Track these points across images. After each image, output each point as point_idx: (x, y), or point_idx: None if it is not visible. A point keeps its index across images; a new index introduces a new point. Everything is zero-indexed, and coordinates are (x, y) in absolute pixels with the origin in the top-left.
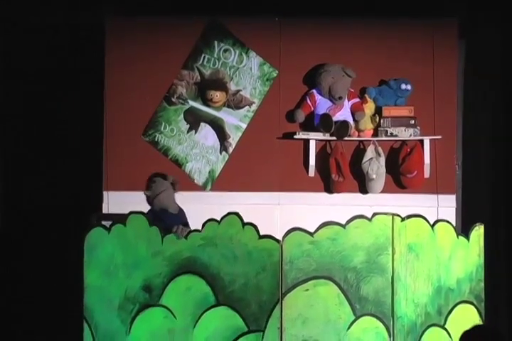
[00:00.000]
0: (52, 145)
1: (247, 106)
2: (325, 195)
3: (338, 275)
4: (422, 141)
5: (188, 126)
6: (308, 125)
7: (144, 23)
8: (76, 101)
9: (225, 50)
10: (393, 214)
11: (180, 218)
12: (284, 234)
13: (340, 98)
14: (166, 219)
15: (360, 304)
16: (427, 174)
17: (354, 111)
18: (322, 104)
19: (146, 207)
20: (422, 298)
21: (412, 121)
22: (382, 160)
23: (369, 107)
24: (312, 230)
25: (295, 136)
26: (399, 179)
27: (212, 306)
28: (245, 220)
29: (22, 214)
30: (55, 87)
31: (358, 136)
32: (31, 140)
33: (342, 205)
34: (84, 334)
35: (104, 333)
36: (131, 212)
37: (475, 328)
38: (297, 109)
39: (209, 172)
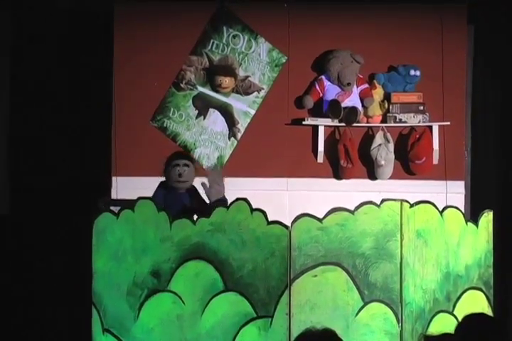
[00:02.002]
0: (61, 130)
1: (256, 92)
2: (333, 181)
3: (347, 262)
4: (430, 127)
5: (196, 111)
6: (317, 111)
7: (152, 9)
8: (85, 86)
9: (234, 36)
10: (402, 201)
11: (184, 197)
12: (292, 220)
13: (348, 84)
14: (171, 197)
15: (368, 290)
16: (435, 160)
17: (363, 97)
18: (331, 90)
19: None
20: (431, 284)
21: (421, 107)
22: (391, 146)
23: (378, 93)
24: (321, 216)
25: (304, 122)
26: (407, 165)
27: (221, 292)
28: (254, 206)
29: (29, 199)
30: (63, 74)
31: (367, 122)
32: (39, 124)
33: (351, 191)
34: (92, 319)
35: (113, 319)
36: (139, 198)
37: (473, 315)
38: (306, 95)
39: (217, 158)
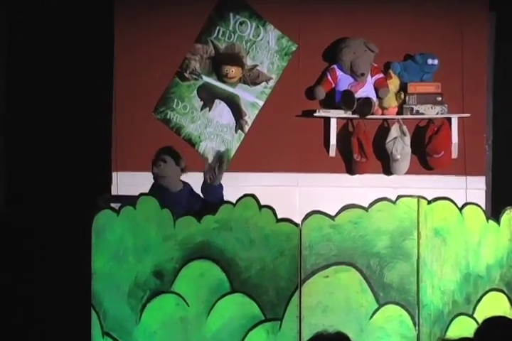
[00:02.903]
0: (59, 123)
1: (264, 82)
2: (346, 176)
3: (361, 261)
4: (449, 119)
5: (201, 103)
6: (329, 102)
7: None
8: (84, 77)
9: (241, 23)
10: (419, 197)
11: (180, 196)
12: (303, 217)
13: (362, 74)
14: (166, 197)
15: (383, 291)
16: (454, 154)
17: (377, 87)
18: (343, 81)
19: None
20: (449, 285)
21: (439, 98)
22: (408, 139)
23: (393, 83)
24: (333, 213)
25: (315, 114)
26: (425, 159)
27: (227, 293)
28: (262, 203)
29: (27, 195)
30: (62, 63)
31: (382, 113)
32: (37, 117)
33: (364, 187)
34: (92, 322)
35: (113, 321)
36: (141, 194)
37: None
38: (317, 86)
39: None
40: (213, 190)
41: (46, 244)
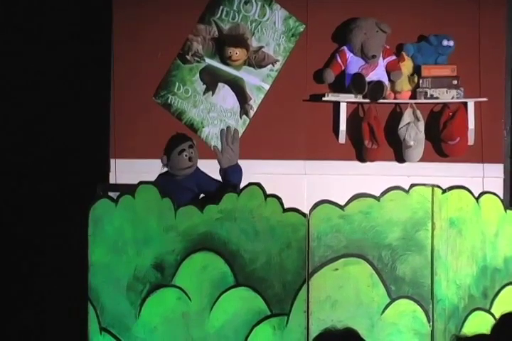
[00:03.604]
0: (55, 108)
1: (271, 65)
2: (357, 163)
3: (371, 253)
4: (465, 104)
5: (204, 86)
6: (339, 86)
7: None
8: (80, 59)
9: (246, 2)
10: (433, 186)
11: (195, 178)
12: (311, 207)
13: (373, 56)
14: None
15: (395, 285)
16: (471, 141)
17: (390, 70)
18: (354, 63)
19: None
20: (465, 279)
21: (455, 82)
22: (421, 125)
23: (406, 66)
24: (342, 203)
25: (324, 98)
26: (440, 146)
27: (231, 287)
28: (268, 192)
29: (20, 184)
30: (57, 45)
31: (394, 98)
32: (32, 102)
33: (376, 175)
34: (89, 317)
35: (112, 316)
36: (140, 182)
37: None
38: (326, 68)
39: None
40: (238, 169)
41: (40, 234)
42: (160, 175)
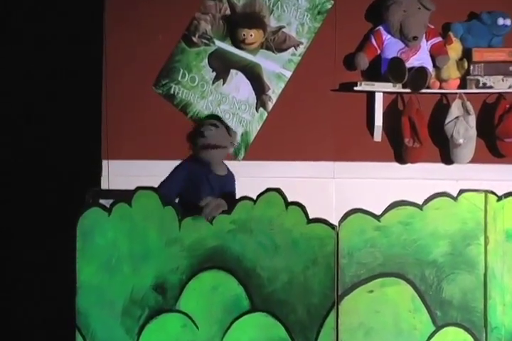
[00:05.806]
0: (43, 101)
1: (292, 48)
2: (395, 165)
3: (413, 272)
4: None
5: (214, 74)
6: (374, 73)
7: None
8: (69, 39)
9: None
10: (486, 192)
11: (227, 184)
12: (340, 217)
13: (415, 38)
14: (208, 182)
15: (441, 310)
16: None
17: (435, 54)
18: (391, 46)
19: (157, 181)
20: None
21: None
22: (472, 119)
23: (454, 49)
24: (378, 212)
25: (356, 88)
26: (494, 144)
27: (246, 312)
28: (289, 199)
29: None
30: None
31: (440, 87)
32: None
33: (418, 179)
34: None
35: None
36: (138, 188)
37: None
38: (359, 53)
39: (242, 135)
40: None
41: (19, 250)
42: (186, 165)
